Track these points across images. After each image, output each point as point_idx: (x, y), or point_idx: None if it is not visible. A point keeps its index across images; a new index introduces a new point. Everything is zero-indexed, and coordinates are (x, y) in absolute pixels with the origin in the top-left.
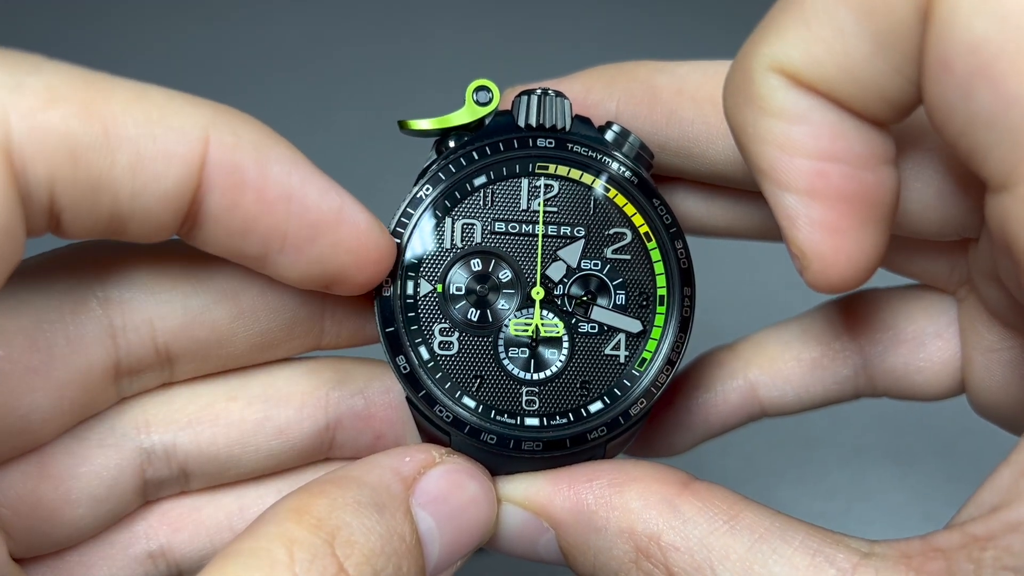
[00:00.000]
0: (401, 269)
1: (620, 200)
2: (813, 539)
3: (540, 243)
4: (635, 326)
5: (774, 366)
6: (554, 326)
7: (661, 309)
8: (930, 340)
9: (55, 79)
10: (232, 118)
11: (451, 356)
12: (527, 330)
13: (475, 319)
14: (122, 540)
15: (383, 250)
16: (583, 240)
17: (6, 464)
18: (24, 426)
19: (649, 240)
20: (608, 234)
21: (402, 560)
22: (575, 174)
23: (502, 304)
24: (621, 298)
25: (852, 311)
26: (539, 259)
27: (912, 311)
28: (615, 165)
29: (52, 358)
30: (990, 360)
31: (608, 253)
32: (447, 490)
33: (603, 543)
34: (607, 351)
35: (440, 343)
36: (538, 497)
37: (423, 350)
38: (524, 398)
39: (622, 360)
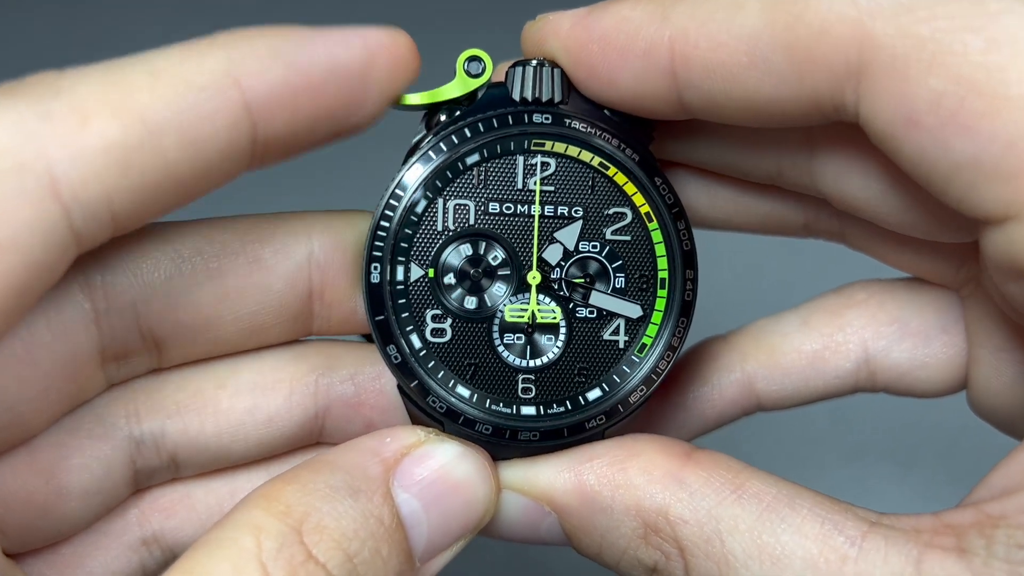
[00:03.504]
0: (390, 254)
1: (620, 178)
2: (821, 507)
3: (536, 224)
4: (635, 311)
5: (772, 358)
6: (551, 311)
7: (662, 293)
8: (936, 335)
9: (78, 94)
10: (241, 43)
11: (444, 344)
12: (523, 316)
13: (469, 305)
14: (115, 528)
15: (407, 42)
16: (581, 221)
17: None
18: (13, 417)
19: (650, 220)
20: (607, 214)
21: (380, 544)
22: (573, 151)
23: (497, 289)
24: (621, 281)
25: (856, 302)
26: (535, 241)
27: (920, 304)
28: (615, 141)
29: (35, 346)
30: (999, 359)
31: (607, 234)
32: (434, 471)
33: (609, 522)
34: (606, 336)
35: (432, 330)
36: (538, 482)
37: (415, 338)
38: (520, 386)
39: (621, 346)
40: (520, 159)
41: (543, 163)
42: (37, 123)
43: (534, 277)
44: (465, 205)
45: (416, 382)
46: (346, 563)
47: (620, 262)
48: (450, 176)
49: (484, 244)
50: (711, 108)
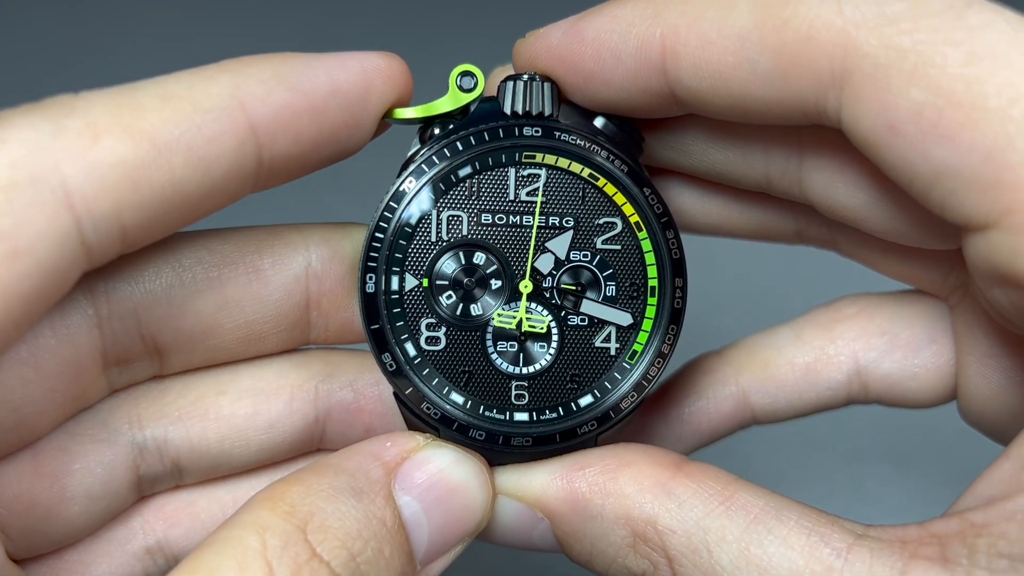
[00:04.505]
0: (385, 264)
1: (610, 189)
2: (808, 519)
3: (534, 234)
4: (625, 319)
5: (766, 371)
6: (541, 319)
7: (652, 300)
8: (925, 345)
9: (91, 113)
10: (246, 68)
11: (438, 351)
12: (511, 322)
13: (462, 313)
14: (119, 536)
15: (402, 65)
16: (572, 230)
17: (1, 462)
18: (18, 419)
19: (640, 230)
20: (598, 224)
21: (383, 544)
22: (563, 163)
23: (490, 298)
24: (612, 289)
25: (846, 315)
26: (531, 251)
27: (908, 316)
28: (604, 153)
29: (39, 348)
30: (986, 366)
31: (598, 243)
32: (433, 474)
33: (599, 530)
34: (597, 344)
35: (427, 338)
36: (531, 488)
37: (409, 346)
38: (513, 393)
39: (612, 353)
40: (512, 171)
41: (534, 175)
42: (51, 139)
43: (526, 286)
44: (458, 216)
45: (411, 389)
46: (350, 562)
47: (611, 271)
48: (443, 188)
49: (477, 254)
50: (701, 105)
